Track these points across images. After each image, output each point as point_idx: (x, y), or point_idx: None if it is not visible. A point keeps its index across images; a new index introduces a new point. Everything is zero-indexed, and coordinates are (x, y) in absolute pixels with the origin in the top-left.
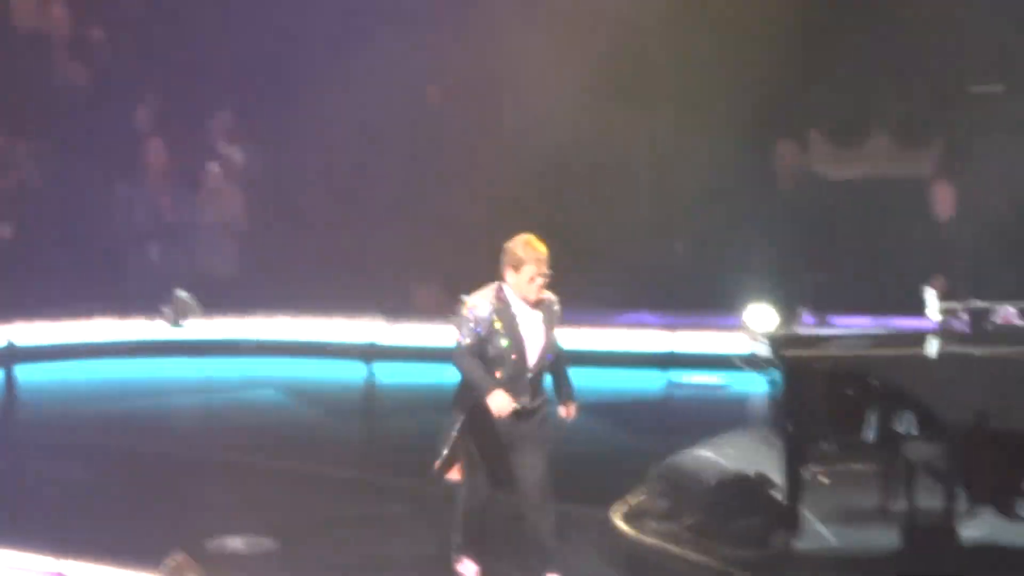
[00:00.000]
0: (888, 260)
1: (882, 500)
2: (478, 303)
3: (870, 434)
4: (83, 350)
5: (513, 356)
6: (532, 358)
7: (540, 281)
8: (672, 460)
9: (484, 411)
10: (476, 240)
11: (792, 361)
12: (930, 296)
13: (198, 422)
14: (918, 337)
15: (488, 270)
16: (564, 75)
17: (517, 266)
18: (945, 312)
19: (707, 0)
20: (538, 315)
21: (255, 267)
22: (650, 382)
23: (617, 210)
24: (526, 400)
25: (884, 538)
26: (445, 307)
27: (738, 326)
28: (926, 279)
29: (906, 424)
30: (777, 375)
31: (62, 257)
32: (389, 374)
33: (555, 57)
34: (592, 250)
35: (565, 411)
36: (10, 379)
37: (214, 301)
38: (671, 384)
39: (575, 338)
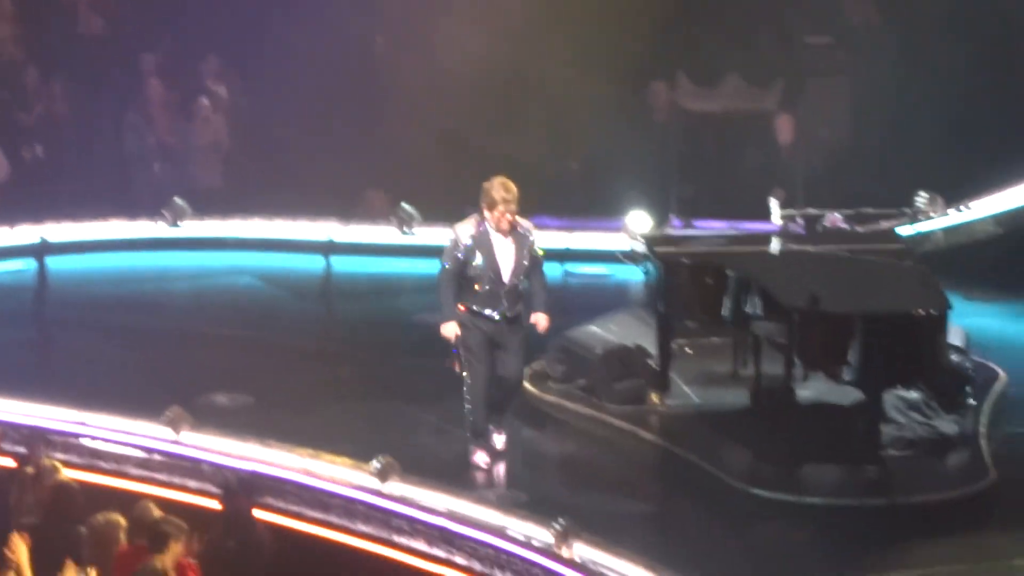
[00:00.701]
0: (740, 176)
1: (735, 367)
2: (460, 232)
3: (726, 314)
4: (99, 245)
5: (489, 274)
6: (505, 276)
7: (509, 217)
8: (568, 334)
9: (472, 320)
10: (414, 156)
11: (663, 256)
12: (773, 205)
13: (190, 302)
14: (764, 237)
15: (419, 180)
16: (484, 24)
17: (491, 206)
18: (785, 218)
19: None
20: (510, 242)
21: (236, 179)
22: (551, 273)
23: (526, 134)
24: (503, 308)
25: (736, 397)
26: (388, 211)
27: (620, 228)
28: (770, 192)
29: (754, 306)
30: (652, 267)
31: (83, 171)
32: (343, 265)
33: (477, 10)
34: (505, 166)
35: (535, 320)
36: (42, 267)
37: (203, 206)
38: (567, 274)
39: None
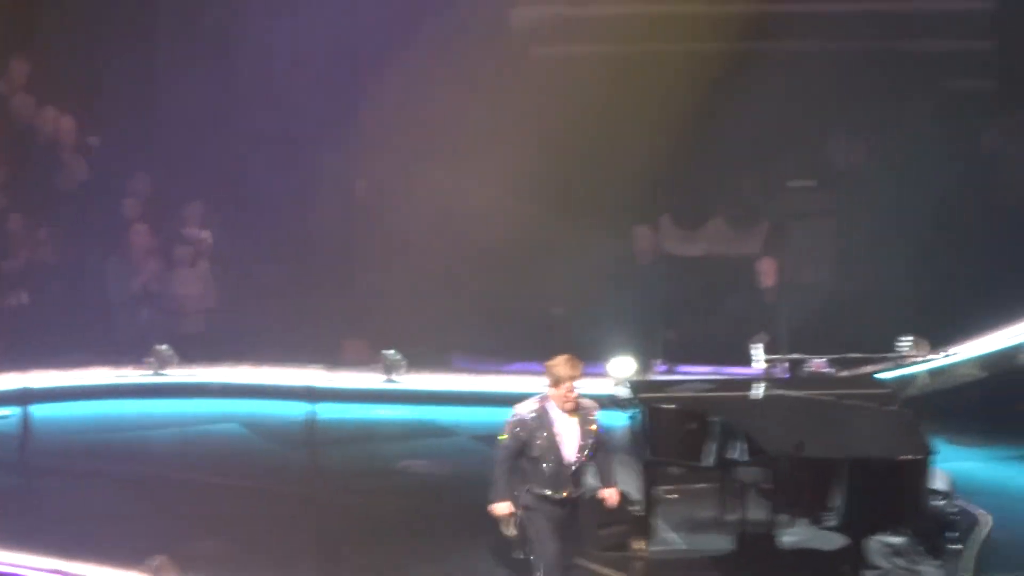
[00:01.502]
0: (724, 321)
1: (719, 512)
2: (522, 410)
3: (710, 460)
4: (84, 392)
5: (552, 454)
6: (569, 455)
7: (574, 395)
8: None
9: (537, 503)
10: (397, 302)
11: (648, 401)
12: (757, 350)
13: (175, 450)
14: (747, 383)
15: (403, 326)
16: (467, 169)
17: (557, 383)
18: (768, 363)
19: (583, 113)
20: (574, 420)
21: (221, 326)
22: None
23: (509, 279)
24: (568, 490)
25: (721, 542)
26: (369, 358)
27: (604, 373)
28: (753, 336)
29: (738, 452)
30: (636, 412)
31: (67, 319)
32: (328, 412)
33: (460, 155)
34: (492, 312)
35: (606, 495)
36: (26, 415)
37: (188, 353)
38: None
39: (477, 383)
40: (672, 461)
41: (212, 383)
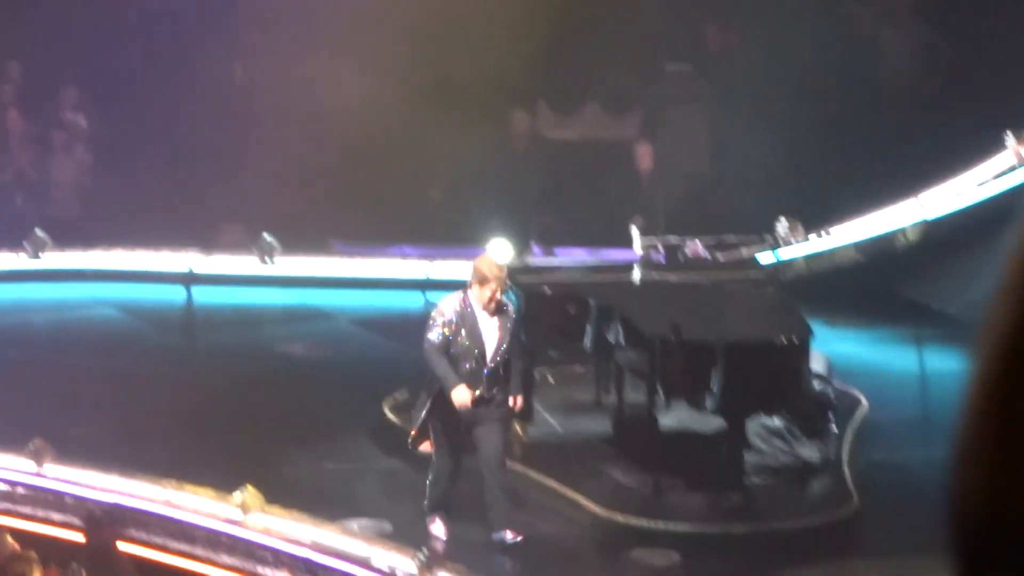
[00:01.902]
0: (600, 205)
1: (597, 396)
2: (445, 308)
3: (587, 343)
4: None
5: (473, 352)
6: (489, 354)
7: (498, 295)
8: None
9: (447, 398)
10: (274, 186)
11: (525, 285)
12: (634, 233)
13: (51, 334)
14: (625, 266)
15: (280, 210)
16: (345, 54)
17: (482, 282)
18: (646, 246)
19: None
20: (495, 320)
21: (96, 210)
22: (413, 302)
23: (387, 163)
24: (484, 389)
25: (599, 425)
26: (247, 241)
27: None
28: (630, 220)
29: (615, 335)
30: (513, 296)
31: None
32: (205, 296)
33: (339, 41)
34: (366, 197)
35: (513, 401)
36: None
37: (64, 237)
38: (428, 303)
39: (352, 267)
40: (549, 344)
41: (88, 268)
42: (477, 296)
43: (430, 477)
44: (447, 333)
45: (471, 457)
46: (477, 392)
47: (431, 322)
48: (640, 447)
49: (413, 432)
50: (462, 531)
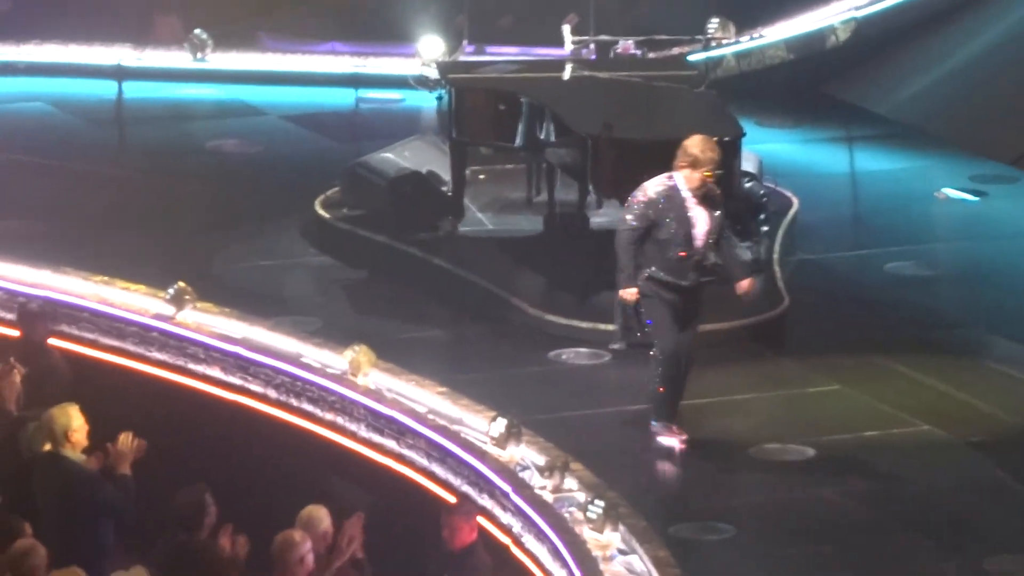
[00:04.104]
0: (532, 3)
1: (529, 194)
2: (651, 189)
3: (519, 141)
4: None
5: (680, 238)
6: (698, 240)
7: (710, 179)
8: (360, 160)
9: (656, 291)
10: None
11: (456, 82)
12: (566, 31)
13: None
14: (557, 64)
15: (216, 6)
16: None
17: (695, 164)
18: (577, 44)
19: None
20: (704, 205)
21: (27, 4)
22: (344, 99)
23: None
24: (694, 277)
25: (530, 224)
26: (180, 36)
27: (413, 53)
28: (562, 18)
29: (547, 133)
30: (444, 92)
31: None
32: (136, 91)
33: None
34: None
35: (740, 287)
36: None
37: None
38: (359, 100)
39: (283, 62)
40: (480, 142)
41: (19, 61)
42: (686, 179)
43: (656, 384)
44: (651, 216)
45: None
46: (686, 282)
47: (632, 203)
48: (571, 246)
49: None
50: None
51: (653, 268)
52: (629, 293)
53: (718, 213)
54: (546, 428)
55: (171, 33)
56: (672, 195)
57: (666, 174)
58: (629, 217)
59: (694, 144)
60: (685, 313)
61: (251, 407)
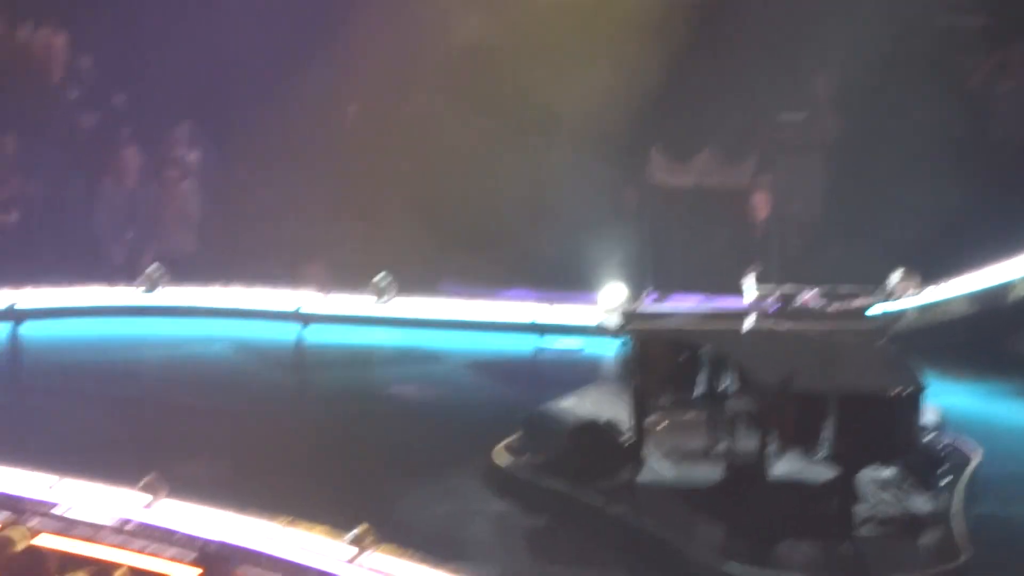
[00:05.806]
0: (713, 252)
1: (708, 444)
2: None
3: (700, 391)
4: (74, 311)
5: None
6: None
7: None
8: (540, 409)
9: None
10: (391, 226)
11: (638, 332)
12: (748, 281)
13: (165, 370)
14: (738, 315)
15: (397, 250)
16: (461, 97)
17: None
18: (759, 295)
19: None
20: None
21: (212, 247)
22: (524, 346)
23: (503, 206)
24: None
25: (709, 473)
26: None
27: (595, 302)
28: (744, 268)
29: (727, 384)
30: (626, 341)
31: (57, 240)
32: (318, 334)
33: (455, 83)
34: (482, 238)
35: None
36: (16, 333)
37: (180, 274)
38: (540, 347)
39: (465, 309)
40: (661, 391)
41: (202, 304)
42: None
43: None
44: None
45: None
46: None
47: None
48: (750, 495)
49: None
50: None
51: None
52: None
53: None
54: None
55: (353, 278)
56: None
57: None
58: None
59: None
60: None
61: None
